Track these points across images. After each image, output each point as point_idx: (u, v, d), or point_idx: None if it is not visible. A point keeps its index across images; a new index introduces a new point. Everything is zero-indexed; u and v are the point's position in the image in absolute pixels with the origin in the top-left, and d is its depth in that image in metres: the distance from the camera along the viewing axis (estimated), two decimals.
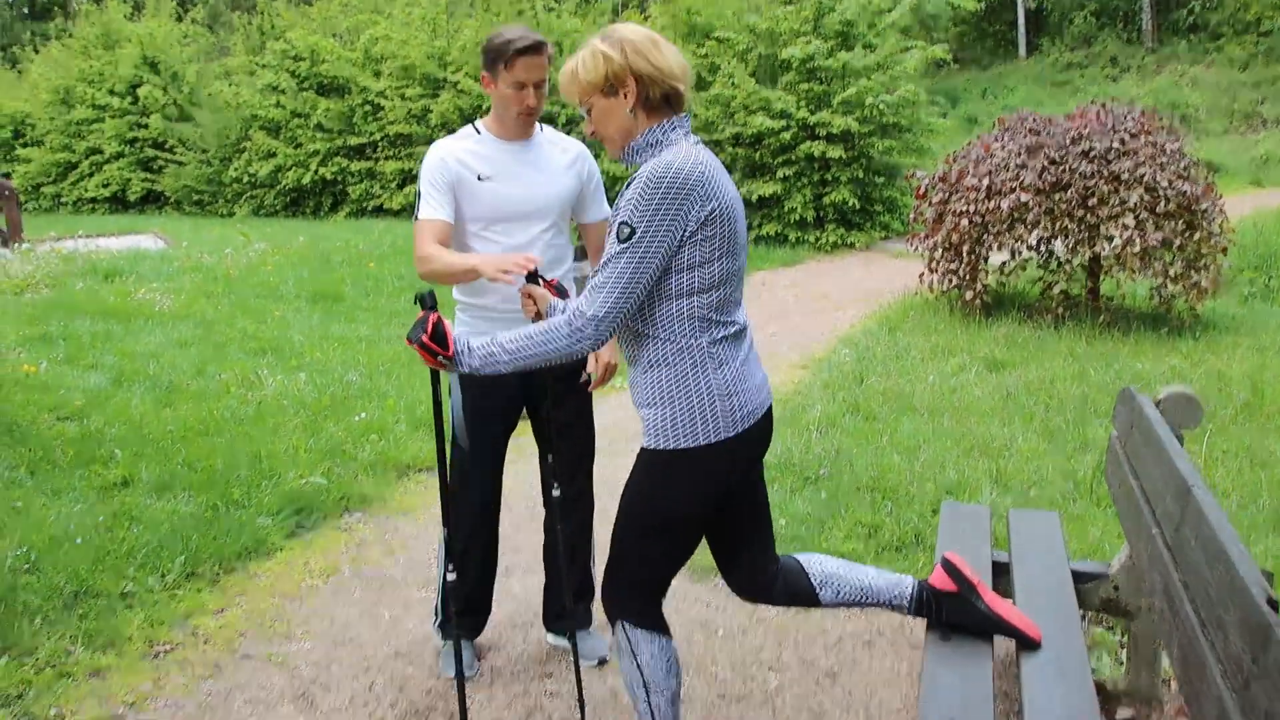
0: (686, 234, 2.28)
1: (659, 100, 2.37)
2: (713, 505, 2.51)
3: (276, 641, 3.78)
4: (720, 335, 2.40)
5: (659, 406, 2.41)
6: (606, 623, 3.77)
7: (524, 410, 3.48)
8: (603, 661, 3.55)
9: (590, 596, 3.60)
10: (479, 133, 3.24)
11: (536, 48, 3.06)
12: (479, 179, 3.16)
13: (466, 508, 3.38)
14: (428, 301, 2.46)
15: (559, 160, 3.30)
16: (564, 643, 3.66)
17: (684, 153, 2.30)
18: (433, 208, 3.14)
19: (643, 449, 2.48)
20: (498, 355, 2.37)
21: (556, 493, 3.21)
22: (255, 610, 4.00)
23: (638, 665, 2.59)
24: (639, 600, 2.59)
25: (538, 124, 3.30)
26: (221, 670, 3.58)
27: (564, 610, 3.59)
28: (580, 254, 2.89)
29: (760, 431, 2.50)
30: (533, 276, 2.85)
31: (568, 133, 3.42)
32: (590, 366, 3.34)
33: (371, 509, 5.01)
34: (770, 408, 2.55)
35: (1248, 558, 2.01)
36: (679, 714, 2.67)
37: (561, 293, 2.81)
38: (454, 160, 3.16)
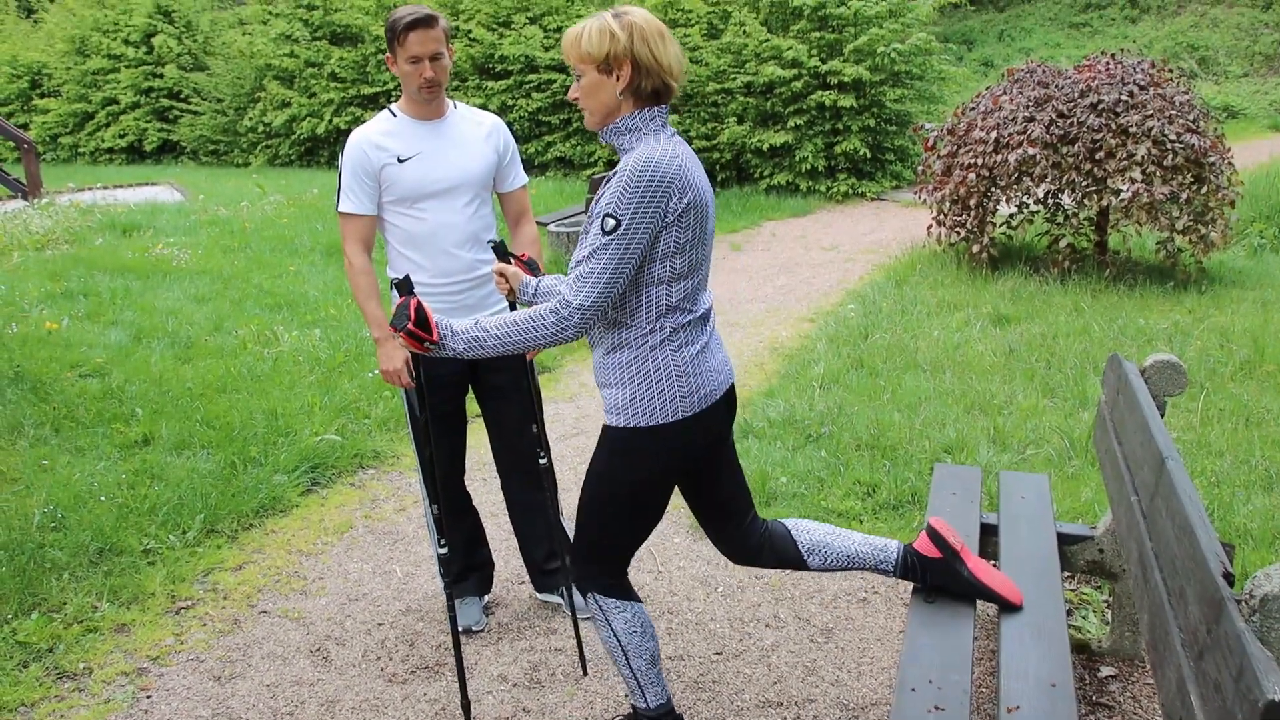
0: (664, 224, 2.38)
1: (648, 91, 2.44)
2: (672, 480, 2.62)
3: (293, 597, 3.93)
4: (684, 320, 2.50)
5: (621, 387, 2.51)
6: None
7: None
8: None
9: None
10: (395, 116, 3.30)
11: (427, 21, 3.11)
12: (400, 160, 3.23)
13: (431, 475, 3.47)
14: (405, 287, 2.51)
15: (476, 134, 3.36)
16: (555, 599, 3.81)
17: (661, 147, 2.39)
18: (353, 201, 3.24)
19: (605, 426, 2.59)
20: (483, 340, 2.46)
21: (544, 460, 3.35)
22: (272, 566, 4.16)
23: (613, 633, 2.72)
24: (605, 571, 2.70)
25: (450, 101, 3.36)
26: (240, 625, 3.74)
27: (546, 570, 3.75)
28: (502, 249, 2.95)
29: (720, 411, 2.61)
30: (502, 253, 2.92)
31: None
32: None
33: (384, 465, 5.15)
34: (732, 386, 2.66)
35: (1211, 532, 2.11)
36: (661, 673, 2.81)
37: (533, 268, 2.89)
38: (373, 148, 3.22)
